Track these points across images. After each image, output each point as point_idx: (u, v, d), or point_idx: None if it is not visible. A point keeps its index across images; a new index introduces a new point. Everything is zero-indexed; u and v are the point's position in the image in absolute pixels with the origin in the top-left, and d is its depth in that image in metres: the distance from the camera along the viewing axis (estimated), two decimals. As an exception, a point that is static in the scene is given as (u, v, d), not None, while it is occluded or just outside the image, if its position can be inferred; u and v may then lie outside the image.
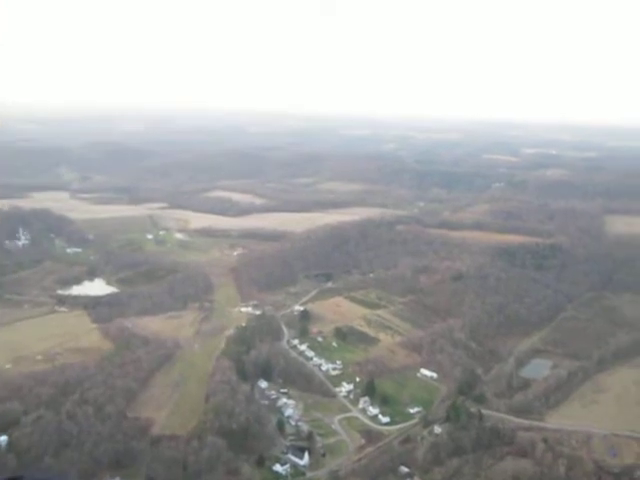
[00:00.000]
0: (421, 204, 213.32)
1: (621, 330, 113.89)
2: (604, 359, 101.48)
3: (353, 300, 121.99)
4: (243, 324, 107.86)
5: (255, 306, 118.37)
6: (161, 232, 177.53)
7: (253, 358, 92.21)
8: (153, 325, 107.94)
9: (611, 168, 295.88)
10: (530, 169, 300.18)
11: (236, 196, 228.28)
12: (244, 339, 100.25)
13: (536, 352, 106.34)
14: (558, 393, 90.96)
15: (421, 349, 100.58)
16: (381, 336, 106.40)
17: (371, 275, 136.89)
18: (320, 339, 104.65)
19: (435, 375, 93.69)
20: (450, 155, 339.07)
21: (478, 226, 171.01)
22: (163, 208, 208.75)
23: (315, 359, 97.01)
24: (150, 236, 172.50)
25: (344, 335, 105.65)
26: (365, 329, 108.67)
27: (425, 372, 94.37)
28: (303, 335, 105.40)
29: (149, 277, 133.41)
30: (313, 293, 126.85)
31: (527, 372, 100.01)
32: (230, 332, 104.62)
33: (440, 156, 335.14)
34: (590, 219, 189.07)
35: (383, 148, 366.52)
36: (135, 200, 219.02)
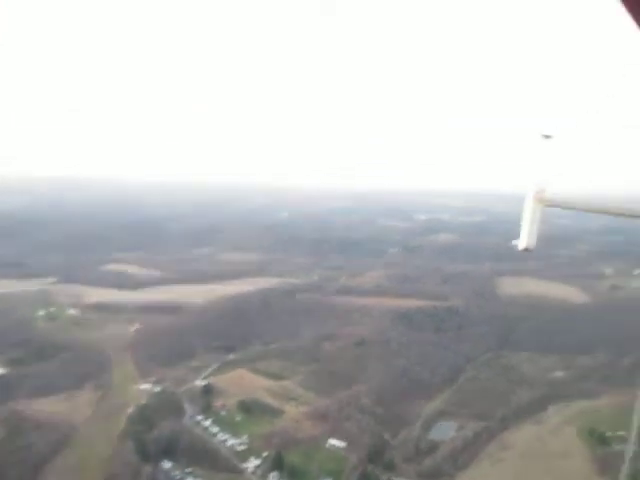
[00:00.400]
0: (319, 271, 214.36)
1: (520, 388, 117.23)
2: (507, 417, 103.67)
3: (256, 372, 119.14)
4: (143, 402, 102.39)
5: (155, 382, 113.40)
6: (52, 308, 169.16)
7: (155, 437, 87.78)
8: (47, 407, 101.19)
9: (498, 232, 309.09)
10: (423, 234, 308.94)
11: (132, 268, 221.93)
12: (145, 418, 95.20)
13: (441, 414, 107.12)
14: (466, 454, 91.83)
15: (328, 418, 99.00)
16: (286, 407, 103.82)
17: (273, 345, 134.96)
18: (224, 413, 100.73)
19: (344, 444, 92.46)
20: (345, 222, 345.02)
21: (377, 291, 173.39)
22: (54, 283, 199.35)
23: (220, 435, 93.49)
24: (41, 312, 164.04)
25: (248, 408, 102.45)
26: (270, 401, 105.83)
27: (333, 441, 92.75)
28: (206, 410, 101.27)
29: (41, 356, 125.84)
30: (215, 366, 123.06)
31: (434, 435, 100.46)
32: (130, 411, 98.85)
33: (335, 223, 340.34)
34: (482, 281, 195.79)
35: (278, 217, 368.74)
36: (24, 275, 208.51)
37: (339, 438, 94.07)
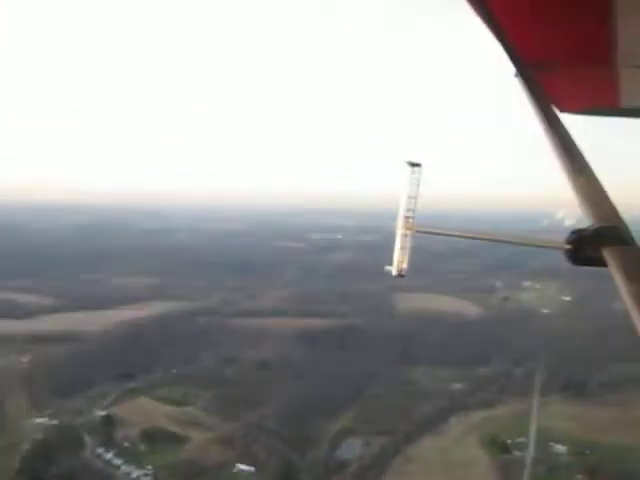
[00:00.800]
0: (218, 294, 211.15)
1: (421, 401, 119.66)
2: (410, 431, 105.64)
3: (158, 399, 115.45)
4: (39, 437, 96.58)
5: (51, 415, 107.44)
6: None
7: (54, 475, 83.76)
8: None
9: (390, 249, 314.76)
10: (319, 254, 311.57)
11: (20, 297, 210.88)
12: (42, 454, 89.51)
13: (347, 432, 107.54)
14: (373, 471, 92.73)
15: (234, 443, 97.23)
16: (191, 434, 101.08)
17: (174, 371, 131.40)
18: (127, 444, 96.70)
19: (252, 469, 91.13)
20: (241, 244, 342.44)
21: (278, 312, 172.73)
22: None
23: (124, 467, 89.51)
24: None
25: (152, 437, 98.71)
26: (174, 428, 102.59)
27: (242, 467, 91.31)
28: (108, 442, 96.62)
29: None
30: (114, 395, 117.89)
31: (341, 453, 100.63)
32: (25, 448, 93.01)
33: (231, 245, 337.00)
34: (379, 298, 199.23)
35: (175, 239, 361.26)
36: None
37: (247, 463, 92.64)
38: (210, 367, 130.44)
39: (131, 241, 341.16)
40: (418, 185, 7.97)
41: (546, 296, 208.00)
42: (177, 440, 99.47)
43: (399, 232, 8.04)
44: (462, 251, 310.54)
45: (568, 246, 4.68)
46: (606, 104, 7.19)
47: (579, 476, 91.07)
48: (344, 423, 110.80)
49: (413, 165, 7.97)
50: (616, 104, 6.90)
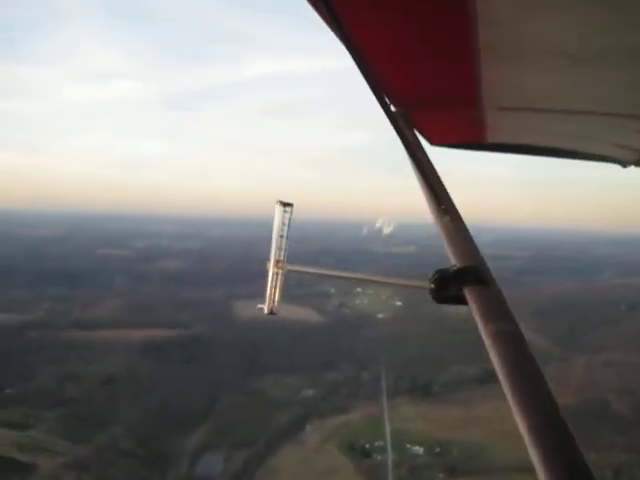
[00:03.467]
0: (45, 305, 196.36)
1: (275, 410, 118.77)
2: (270, 442, 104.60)
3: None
4: None
5: None
6: None
7: None
8: None
9: (220, 256, 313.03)
10: (146, 261, 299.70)
11: None
12: None
13: (205, 447, 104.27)
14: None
15: (89, 467, 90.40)
16: (39, 460, 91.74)
17: (8, 391, 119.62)
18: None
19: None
20: (62, 251, 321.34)
21: (115, 324, 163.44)
22: None
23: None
24: None
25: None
26: (17, 455, 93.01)
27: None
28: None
29: None
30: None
31: (202, 469, 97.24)
32: None
33: (49, 252, 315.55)
34: (219, 307, 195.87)
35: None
36: None
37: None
38: (49, 385, 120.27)
39: None
40: (288, 224, 8.08)
41: (378, 301, 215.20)
42: (24, 468, 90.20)
43: (271, 271, 8.12)
44: (292, 258, 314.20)
45: (432, 285, 4.75)
46: (473, 140, 7.73)
47: (440, 475, 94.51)
48: (200, 438, 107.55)
49: (285, 205, 8.06)
50: (482, 140, 7.44)
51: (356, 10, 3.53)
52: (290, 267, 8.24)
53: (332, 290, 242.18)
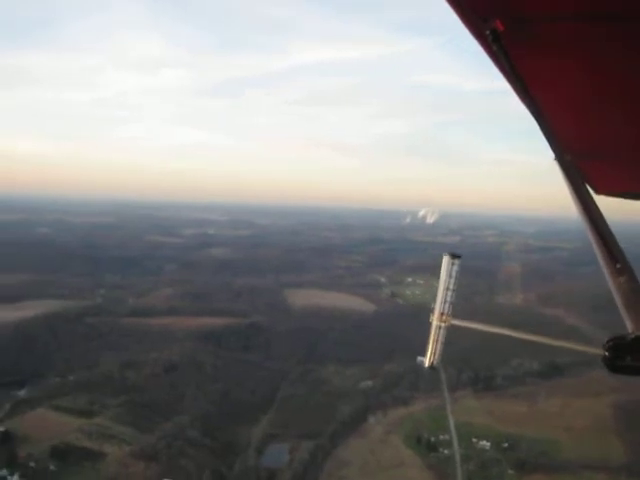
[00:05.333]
0: (102, 292, 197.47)
1: (337, 401, 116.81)
2: (336, 433, 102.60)
3: (60, 409, 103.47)
4: None
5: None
6: None
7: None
8: None
9: (269, 244, 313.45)
10: (196, 249, 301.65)
11: None
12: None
13: (271, 437, 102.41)
14: (308, 476, 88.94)
15: (158, 456, 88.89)
16: (107, 449, 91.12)
17: (71, 377, 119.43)
18: (33, 464, 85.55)
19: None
20: (112, 238, 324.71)
21: (172, 311, 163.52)
22: None
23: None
24: None
25: (63, 455, 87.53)
26: (86, 443, 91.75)
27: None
28: (11, 463, 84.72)
29: None
30: (7, 407, 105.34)
31: (268, 461, 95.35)
32: None
33: (104, 240, 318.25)
34: (273, 295, 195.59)
35: (37, 233, 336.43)
36: None
37: (175, 477, 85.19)
38: (111, 372, 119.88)
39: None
40: (456, 277, 9.81)
41: (430, 291, 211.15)
42: (93, 456, 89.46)
43: (434, 324, 9.97)
44: (340, 247, 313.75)
45: (605, 353, 4.35)
46: None
47: (510, 471, 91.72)
48: (266, 428, 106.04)
49: (453, 257, 9.87)
50: None
51: (533, 54, 3.49)
52: (455, 321, 8.90)
53: (382, 279, 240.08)
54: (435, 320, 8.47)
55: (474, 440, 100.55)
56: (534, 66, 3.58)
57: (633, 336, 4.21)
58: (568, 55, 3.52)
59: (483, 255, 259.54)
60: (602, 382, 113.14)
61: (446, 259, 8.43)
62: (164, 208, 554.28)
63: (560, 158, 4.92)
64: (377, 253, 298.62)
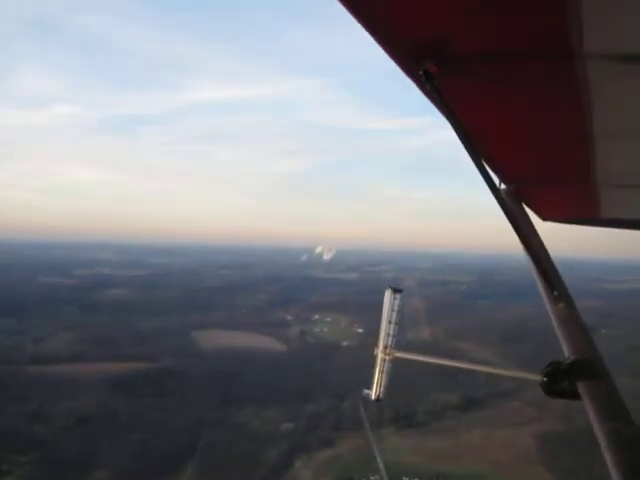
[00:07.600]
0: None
1: (262, 446, 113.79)
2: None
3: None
4: None
5: None
6: None
7: None
8: None
9: (167, 284, 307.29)
10: (92, 290, 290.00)
11: None
12: None
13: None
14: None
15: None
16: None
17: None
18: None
19: None
20: (2, 281, 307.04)
21: (76, 357, 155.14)
22: None
23: None
24: None
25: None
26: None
27: None
28: None
29: None
30: None
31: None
32: None
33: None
34: (179, 337, 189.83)
35: None
36: None
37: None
38: (18, 425, 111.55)
39: None
40: (398, 311, 8.00)
41: (339, 329, 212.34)
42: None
43: (379, 357, 8.03)
44: (241, 285, 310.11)
45: (543, 378, 4.64)
46: (586, 216, 7.89)
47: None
48: (191, 478, 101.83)
49: (395, 291, 8.05)
50: (596, 216, 7.53)
51: (465, 91, 3.65)
52: (398, 354, 7.99)
53: (288, 317, 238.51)
54: (380, 353, 7.44)
55: (405, 479, 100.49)
56: (467, 102, 3.75)
57: (570, 361, 4.49)
58: (499, 90, 3.68)
59: (382, 291, 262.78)
60: (519, 412, 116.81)
61: (388, 293, 7.66)
62: (53, 248, 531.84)
63: (497, 188, 4.84)
64: (279, 291, 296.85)
